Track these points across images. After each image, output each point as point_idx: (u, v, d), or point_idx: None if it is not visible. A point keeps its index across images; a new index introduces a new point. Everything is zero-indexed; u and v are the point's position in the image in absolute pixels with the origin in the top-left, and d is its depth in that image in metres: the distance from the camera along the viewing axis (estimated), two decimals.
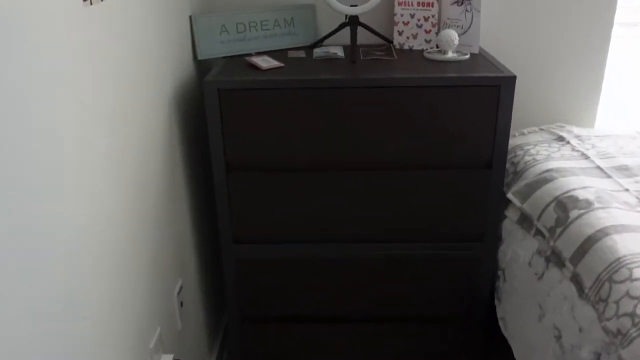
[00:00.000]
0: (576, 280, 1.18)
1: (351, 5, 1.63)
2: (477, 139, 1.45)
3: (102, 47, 0.99)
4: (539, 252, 1.34)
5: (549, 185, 1.39)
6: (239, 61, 1.57)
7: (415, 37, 1.68)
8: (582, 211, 1.26)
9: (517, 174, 1.53)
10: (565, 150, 1.57)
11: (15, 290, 0.72)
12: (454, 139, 1.45)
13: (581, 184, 1.36)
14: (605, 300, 1.07)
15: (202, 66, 1.70)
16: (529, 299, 1.35)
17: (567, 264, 1.22)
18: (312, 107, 1.42)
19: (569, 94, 1.83)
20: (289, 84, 1.40)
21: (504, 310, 1.50)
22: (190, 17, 1.58)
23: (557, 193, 1.36)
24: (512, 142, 1.67)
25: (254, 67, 1.50)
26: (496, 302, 1.55)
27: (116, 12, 1.06)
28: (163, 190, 1.32)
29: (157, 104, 1.29)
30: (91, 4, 0.94)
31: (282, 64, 1.51)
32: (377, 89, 1.40)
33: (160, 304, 1.30)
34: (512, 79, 1.38)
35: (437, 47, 1.61)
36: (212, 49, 1.62)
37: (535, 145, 1.63)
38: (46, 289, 0.79)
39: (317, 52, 1.64)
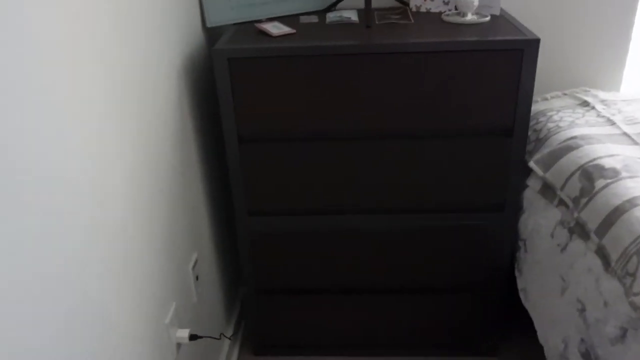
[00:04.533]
0: (602, 253, 1.13)
1: None
2: (498, 106, 1.39)
3: (108, 17, 0.95)
4: (562, 223, 1.30)
5: (574, 154, 1.33)
6: (249, 28, 1.51)
7: None
8: (609, 180, 1.20)
9: (540, 142, 1.47)
10: (590, 116, 1.51)
11: (32, 264, 0.70)
12: (473, 106, 1.39)
13: (607, 151, 1.30)
14: (633, 275, 1.03)
15: (211, 34, 1.65)
16: (551, 271, 1.31)
17: (592, 236, 1.17)
18: (325, 75, 1.37)
19: (594, 57, 1.75)
20: (301, 51, 1.35)
21: (524, 282, 1.46)
22: None
23: (582, 161, 1.30)
24: (534, 108, 1.61)
25: (265, 34, 1.44)
26: (517, 273, 1.52)
27: None
28: (175, 163, 1.29)
29: (166, 75, 1.25)
30: None
31: (294, 30, 1.45)
32: (393, 54, 1.34)
33: (176, 278, 1.28)
34: (535, 42, 1.31)
35: (456, 9, 1.54)
36: (222, 16, 1.56)
37: (559, 111, 1.56)
38: (62, 265, 0.77)
39: (330, 16, 1.58)
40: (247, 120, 1.42)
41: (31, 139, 0.72)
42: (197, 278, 1.44)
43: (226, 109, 1.40)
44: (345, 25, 1.52)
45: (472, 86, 1.36)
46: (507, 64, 1.34)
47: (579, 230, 1.23)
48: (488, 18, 1.49)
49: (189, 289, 1.39)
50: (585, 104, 1.59)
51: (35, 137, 0.73)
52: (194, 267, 1.41)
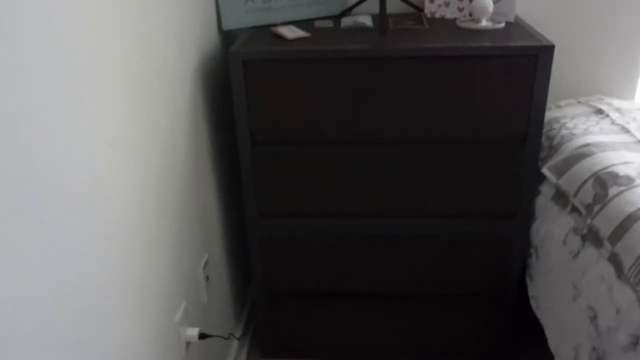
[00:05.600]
0: (615, 260, 1.13)
1: None
2: (512, 112, 1.39)
3: (126, 21, 0.96)
4: (574, 230, 1.29)
5: (587, 161, 1.32)
6: (264, 31, 1.53)
7: (447, 5, 1.61)
8: (623, 188, 1.20)
9: (553, 149, 1.46)
10: (605, 123, 1.50)
11: (49, 263, 0.71)
12: (487, 112, 1.39)
13: (621, 159, 1.29)
14: None
15: (226, 37, 1.66)
16: (562, 278, 1.30)
17: (605, 243, 1.16)
18: (339, 79, 1.37)
19: (609, 65, 1.75)
20: (315, 55, 1.36)
21: (535, 289, 1.45)
22: None
23: (596, 169, 1.29)
24: (548, 115, 1.60)
25: (280, 37, 1.46)
26: (528, 280, 1.51)
27: None
28: (188, 164, 1.30)
29: (181, 77, 1.27)
30: None
31: (309, 34, 1.46)
32: (407, 59, 1.35)
33: (186, 278, 1.29)
34: (549, 49, 1.31)
35: (471, 15, 1.55)
36: (237, 20, 1.58)
37: (573, 118, 1.56)
38: (78, 265, 0.78)
39: (345, 21, 1.59)
40: (261, 123, 1.43)
41: (53, 139, 0.74)
42: (207, 278, 1.45)
43: (240, 112, 1.41)
44: (360, 30, 1.52)
45: (486, 92, 1.36)
46: (521, 70, 1.34)
47: (592, 237, 1.22)
48: (503, 24, 1.49)
49: (199, 288, 1.39)
50: (599, 111, 1.58)
51: (56, 136, 0.75)
52: (204, 267, 1.42)
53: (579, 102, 1.68)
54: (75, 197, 0.80)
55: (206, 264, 1.43)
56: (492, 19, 1.52)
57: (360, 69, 1.36)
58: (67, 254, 0.78)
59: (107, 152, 0.90)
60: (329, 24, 1.60)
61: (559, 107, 1.66)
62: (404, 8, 1.66)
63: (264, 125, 1.43)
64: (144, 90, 1.05)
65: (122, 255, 0.96)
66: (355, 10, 1.67)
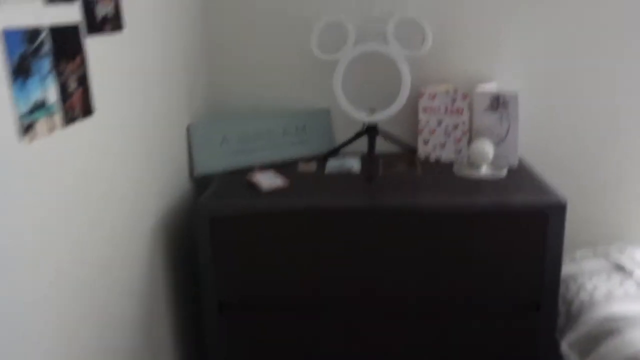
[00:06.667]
0: None
1: (369, 111, 1.44)
2: (521, 275, 1.19)
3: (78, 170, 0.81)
4: None
5: (616, 341, 1.11)
6: (239, 178, 1.37)
7: (443, 146, 1.46)
8: None
9: (572, 317, 1.25)
10: (629, 285, 1.29)
11: None
12: (491, 275, 1.19)
13: None
14: None
15: (198, 182, 1.49)
16: None
17: None
18: (320, 237, 1.20)
19: (627, 208, 1.57)
20: (292, 211, 1.19)
21: None
22: (188, 128, 1.40)
23: (628, 351, 1.07)
24: (562, 270, 1.40)
25: (254, 187, 1.30)
26: None
27: (92, 133, 0.90)
28: (141, 324, 1.09)
29: (141, 233, 1.10)
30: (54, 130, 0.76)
31: (287, 184, 1.30)
32: (397, 216, 1.18)
33: None
34: (561, 207, 1.14)
35: (469, 159, 1.39)
36: (211, 164, 1.43)
37: (591, 276, 1.35)
38: None
39: (330, 165, 1.44)
40: (230, 285, 1.23)
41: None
42: None
43: (206, 272, 1.22)
44: (346, 176, 1.37)
45: (489, 253, 1.18)
46: (530, 229, 1.16)
47: None
48: (505, 171, 1.33)
49: None
50: (621, 268, 1.38)
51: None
52: None
53: (596, 253, 1.48)
54: None
55: None
56: (493, 164, 1.36)
57: (343, 224, 1.19)
58: None
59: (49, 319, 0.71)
60: (313, 167, 1.45)
61: (574, 259, 1.46)
62: (397, 147, 1.51)
63: (233, 287, 1.23)
64: (94, 250, 0.90)
65: None
66: (344, 149, 1.53)
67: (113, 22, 0.98)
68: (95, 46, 0.91)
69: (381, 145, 1.50)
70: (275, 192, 1.26)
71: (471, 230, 1.17)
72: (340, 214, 1.18)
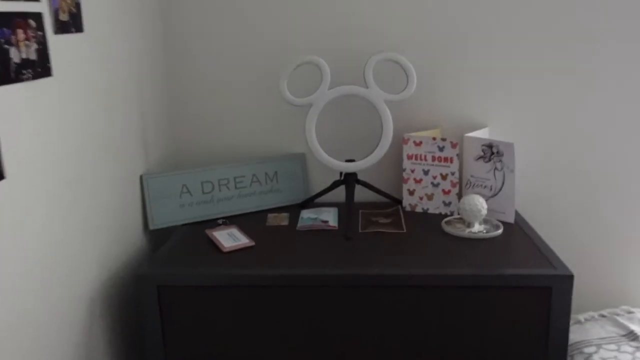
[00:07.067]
0: None
1: (347, 161, 1.28)
2: (522, 354, 1.02)
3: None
4: None
5: None
6: (201, 231, 1.20)
7: (430, 198, 1.30)
8: None
9: None
10: None
11: None
12: (487, 353, 1.02)
13: None
14: None
15: (155, 236, 1.31)
16: None
17: None
18: (285, 309, 1.03)
19: (634, 269, 1.42)
20: (252, 281, 1.02)
21: None
22: (141, 178, 1.24)
23: None
24: None
25: (215, 245, 1.13)
26: None
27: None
28: None
29: (74, 304, 0.93)
30: None
31: (252, 243, 1.13)
32: (374, 288, 1.01)
33: None
34: (568, 279, 0.98)
35: (459, 213, 1.23)
36: (168, 216, 1.26)
37: (599, 346, 1.19)
38: None
39: (304, 217, 1.28)
40: None
41: None
42: None
43: (153, 348, 1.05)
44: (320, 232, 1.20)
45: (484, 327, 1.01)
46: (531, 301, 1.00)
47: None
48: (500, 230, 1.17)
49: None
50: (632, 335, 1.22)
51: None
52: None
53: (602, 315, 1.32)
54: None
55: None
56: (486, 220, 1.21)
57: (313, 298, 1.02)
58: None
59: None
60: (285, 220, 1.28)
61: (579, 323, 1.30)
62: (380, 196, 1.36)
63: None
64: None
65: None
66: (320, 198, 1.37)
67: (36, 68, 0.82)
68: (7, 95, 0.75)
69: (363, 193, 1.34)
70: (237, 253, 1.10)
71: (460, 303, 1.01)
72: (311, 284, 1.01)
